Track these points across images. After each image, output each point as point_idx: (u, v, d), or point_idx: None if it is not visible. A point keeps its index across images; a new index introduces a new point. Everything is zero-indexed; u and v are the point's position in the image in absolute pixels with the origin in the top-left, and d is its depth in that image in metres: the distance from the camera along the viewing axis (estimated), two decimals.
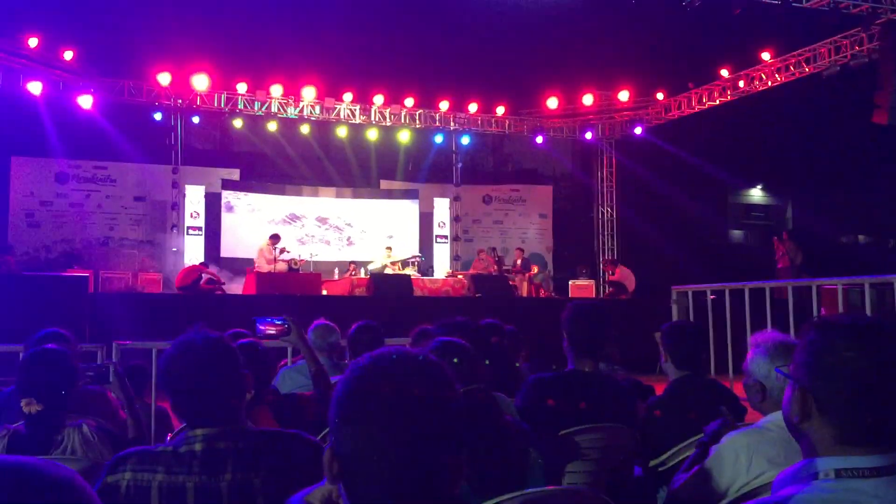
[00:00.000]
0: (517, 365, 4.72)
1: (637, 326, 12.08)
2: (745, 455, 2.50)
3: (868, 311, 6.50)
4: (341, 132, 18.24)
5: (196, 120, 17.13)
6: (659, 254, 18.60)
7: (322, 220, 19.21)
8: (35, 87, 14.79)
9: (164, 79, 15.87)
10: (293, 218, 18.93)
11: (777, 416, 2.44)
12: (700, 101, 17.68)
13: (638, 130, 18.72)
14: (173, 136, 17.38)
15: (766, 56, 15.95)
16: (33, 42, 14.61)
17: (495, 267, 16.62)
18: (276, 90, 16.78)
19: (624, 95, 18.23)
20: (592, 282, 17.55)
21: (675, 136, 18.48)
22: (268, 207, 18.69)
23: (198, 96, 16.59)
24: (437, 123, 18.69)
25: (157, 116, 16.68)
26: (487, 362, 3.03)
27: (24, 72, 14.87)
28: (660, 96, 18.32)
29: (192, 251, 17.32)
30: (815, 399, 1.48)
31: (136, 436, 3.19)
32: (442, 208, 19.88)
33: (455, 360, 2.54)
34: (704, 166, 19.51)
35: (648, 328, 4.32)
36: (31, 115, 15.43)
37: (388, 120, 18.10)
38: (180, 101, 16.58)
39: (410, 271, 16.15)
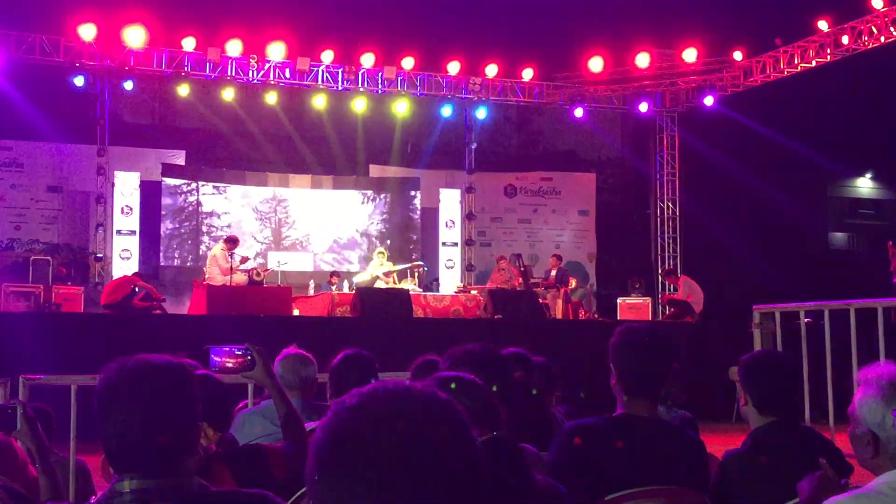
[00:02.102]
0: (549, 408, 4.72)
1: (708, 359, 12.20)
2: None
3: None
4: (318, 102, 18.29)
5: (129, 86, 17.17)
6: (736, 263, 18.59)
7: (293, 218, 19.24)
8: None
9: (88, 33, 15.90)
10: (256, 215, 18.98)
11: (894, 476, 2.44)
12: (791, 63, 17.64)
13: (709, 101, 18.70)
14: (99, 107, 17.37)
15: (877, 2, 15.90)
16: None
17: (520, 280, 16.61)
18: (234, 48, 16.76)
19: (690, 55, 18.17)
20: (648, 300, 17.52)
21: (758, 110, 18.47)
22: (223, 200, 18.75)
23: (131, 56, 16.61)
24: (445, 91, 18.72)
25: (79, 82, 16.71)
26: (508, 404, 3.02)
27: None
28: (738, 56, 18.28)
29: (124, 258, 17.37)
30: None
31: (51, 497, 3.20)
32: (451, 202, 19.89)
33: (465, 401, 2.53)
34: (797, 149, 19.48)
35: (723, 361, 4.32)
36: None
37: (379, 86, 18.12)
38: (108, 61, 16.62)
39: (409, 285, 16.15)
